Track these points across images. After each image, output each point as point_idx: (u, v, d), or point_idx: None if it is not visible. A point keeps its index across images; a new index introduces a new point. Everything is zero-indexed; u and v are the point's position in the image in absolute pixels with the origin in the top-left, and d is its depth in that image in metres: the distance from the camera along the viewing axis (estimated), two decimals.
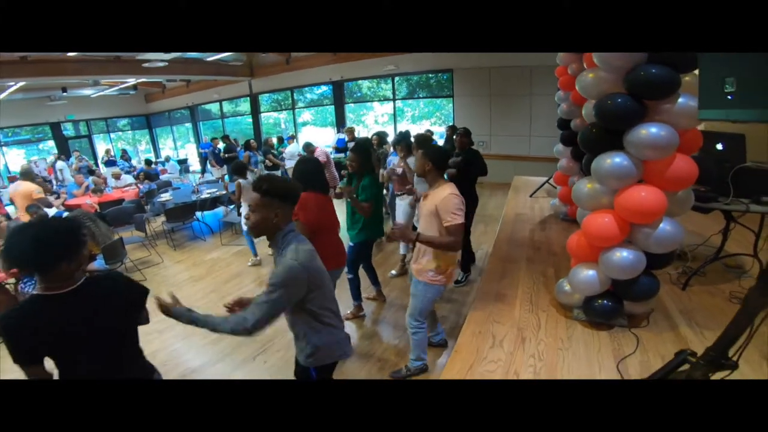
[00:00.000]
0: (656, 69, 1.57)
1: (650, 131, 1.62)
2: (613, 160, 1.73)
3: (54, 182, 8.80)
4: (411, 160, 3.72)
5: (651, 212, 1.72)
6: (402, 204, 4.01)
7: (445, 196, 2.14)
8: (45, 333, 1.28)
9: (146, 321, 1.57)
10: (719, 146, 2.39)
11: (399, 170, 3.91)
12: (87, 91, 10.68)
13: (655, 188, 1.71)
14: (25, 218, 5.37)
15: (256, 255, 4.96)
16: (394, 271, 4.24)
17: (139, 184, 7.19)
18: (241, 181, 4.67)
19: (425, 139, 3.91)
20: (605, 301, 2.05)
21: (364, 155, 3.03)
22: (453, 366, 1.95)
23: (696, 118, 1.47)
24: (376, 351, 3.06)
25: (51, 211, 5.21)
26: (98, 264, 4.30)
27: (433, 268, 2.27)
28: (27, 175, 5.52)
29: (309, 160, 2.91)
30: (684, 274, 2.53)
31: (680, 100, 1.63)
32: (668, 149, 1.65)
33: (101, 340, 1.38)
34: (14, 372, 1.30)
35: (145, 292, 1.53)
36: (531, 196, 4.61)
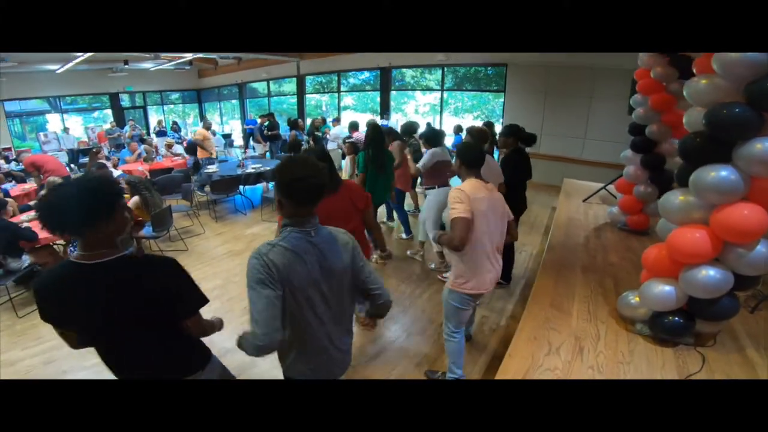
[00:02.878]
0: None
1: (766, 146, 1.49)
2: (719, 173, 1.60)
3: (105, 148, 9.24)
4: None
5: (752, 233, 1.60)
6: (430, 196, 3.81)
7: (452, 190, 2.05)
8: (69, 303, 1.16)
9: (189, 311, 1.31)
10: None
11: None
12: (146, 65, 11.09)
13: (760, 207, 1.57)
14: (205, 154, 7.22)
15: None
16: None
17: (186, 155, 7.42)
18: None
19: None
20: (677, 318, 1.95)
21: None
22: (507, 370, 1.92)
23: None
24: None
25: (116, 173, 5.47)
26: (146, 231, 4.40)
27: (453, 273, 2.18)
28: (204, 122, 8.59)
29: None
30: (753, 297, 2.40)
31: None
32: None
33: (122, 326, 1.20)
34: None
35: (180, 281, 1.27)
36: (584, 201, 4.41)
